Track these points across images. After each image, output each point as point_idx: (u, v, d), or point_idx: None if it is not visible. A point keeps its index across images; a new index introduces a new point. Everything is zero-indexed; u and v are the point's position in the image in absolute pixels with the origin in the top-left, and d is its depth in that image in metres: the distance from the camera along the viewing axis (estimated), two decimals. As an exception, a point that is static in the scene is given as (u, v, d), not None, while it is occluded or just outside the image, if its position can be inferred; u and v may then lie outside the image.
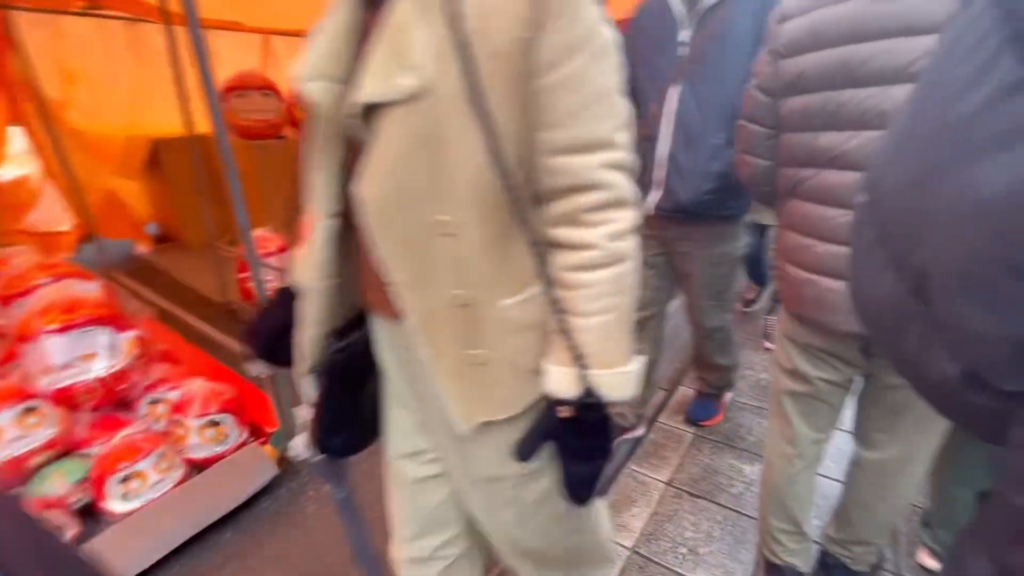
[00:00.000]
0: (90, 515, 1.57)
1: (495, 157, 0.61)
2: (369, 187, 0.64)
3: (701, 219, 1.59)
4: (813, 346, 1.12)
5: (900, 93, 0.86)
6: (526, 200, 0.66)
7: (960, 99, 0.34)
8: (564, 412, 0.68)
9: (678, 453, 1.94)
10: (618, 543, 1.56)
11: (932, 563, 1.41)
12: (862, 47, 0.89)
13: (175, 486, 1.61)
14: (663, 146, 1.55)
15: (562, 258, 0.66)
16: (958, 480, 1.29)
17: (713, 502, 1.71)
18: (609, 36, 0.62)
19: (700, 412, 2.12)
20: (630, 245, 0.66)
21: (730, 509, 1.68)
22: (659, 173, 1.57)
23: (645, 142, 1.57)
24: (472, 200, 0.64)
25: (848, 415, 1.23)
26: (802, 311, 1.08)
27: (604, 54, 0.62)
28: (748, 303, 3.04)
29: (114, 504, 1.52)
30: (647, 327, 1.83)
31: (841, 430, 1.25)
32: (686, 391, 2.34)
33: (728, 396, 2.18)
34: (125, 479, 1.53)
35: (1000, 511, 0.37)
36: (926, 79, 0.39)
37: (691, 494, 1.75)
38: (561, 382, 0.67)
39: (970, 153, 0.33)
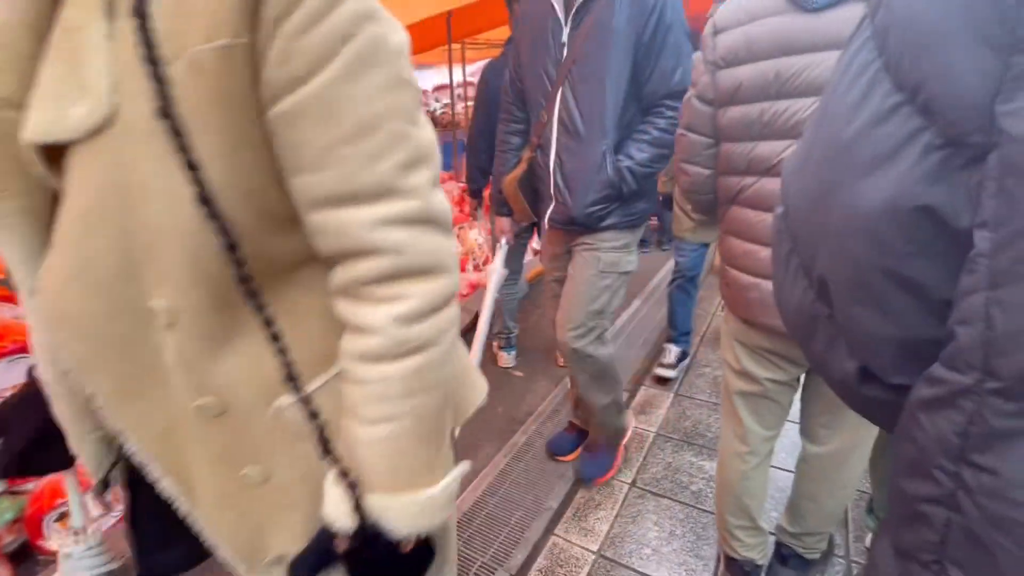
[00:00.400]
0: (26, 556, 1.47)
1: (209, 213, 0.43)
2: (48, 269, 0.46)
3: (593, 229, 1.53)
4: (760, 347, 1.16)
5: None
6: (264, 272, 0.49)
7: (848, 122, 0.37)
8: (340, 545, 0.51)
9: (641, 453, 1.98)
10: (584, 547, 1.57)
11: (879, 547, 1.49)
12: (793, 59, 0.93)
13: (117, 523, 1.52)
14: (552, 155, 1.50)
15: (346, 343, 0.50)
16: None
17: (675, 500, 1.75)
18: (383, 35, 0.45)
19: (589, 468, 1.80)
20: (433, 329, 0.48)
21: (691, 506, 1.72)
22: (550, 184, 1.52)
23: (538, 151, 1.54)
24: (191, 276, 0.45)
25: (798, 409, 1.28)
26: (748, 314, 1.12)
27: (371, 63, 0.44)
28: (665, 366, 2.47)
29: (51, 544, 1.42)
30: None
31: (793, 422, 1.30)
32: (648, 391, 2.39)
33: (625, 441, 1.90)
34: (62, 516, 1.43)
35: (893, 496, 0.41)
36: (823, 101, 0.43)
37: (654, 493, 1.78)
38: (336, 507, 0.51)
39: (854, 172, 0.37)
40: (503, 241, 1.88)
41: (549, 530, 1.64)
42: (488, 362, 2.68)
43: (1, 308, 1.83)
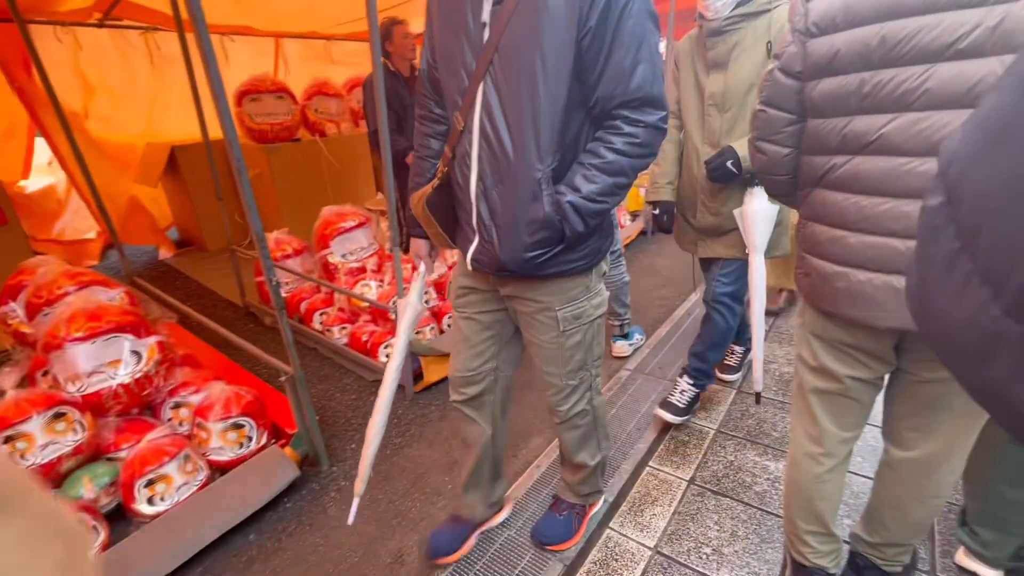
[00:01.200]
0: (120, 518, 1.61)
1: None
2: None
3: (534, 278, 1.16)
4: (842, 342, 1.07)
5: (947, 71, 0.81)
6: None
7: None
8: None
9: (700, 450, 1.91)
10: (640, 543, 1.53)
11: (972, 564, 1.36)
12: (904, 22, 0.84)
13: (199, 489, 1.63)
14: (473, 177, 1.10)
15: None
16: (1011, 480, 1.23)
17: (737, 500, 1.67)
18: None
19: (548, 530, 1.53)
20: None
21: (754, 507, 1.64)
22: (472, 214, 1.13)
23: (455, 166, 1.15)
24: None
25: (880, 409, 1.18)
26: (833, 306, 1.03)
27: None
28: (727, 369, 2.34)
29: (142, 507, 1.55)
30: (483, 404, 1.39)
31: (873, 425, 1.20)
32: (712, 387, 2.29)
33: (594, 510, 1.61)
34: (151, 483, 1.56)
35: None
36: None
37: (714, 492, 1.71)
38: None
39: None
40: (421, 268, 1.39)
41: (603, 523, 1.61)
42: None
43: (96, 291, 2.00)
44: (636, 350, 2.61)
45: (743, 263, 1.83)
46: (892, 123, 0.87)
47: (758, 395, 1.84)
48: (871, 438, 1.76)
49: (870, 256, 0.94)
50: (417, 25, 3.27)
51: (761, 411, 2.10)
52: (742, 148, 1.61)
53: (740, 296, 1.93)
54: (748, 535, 1.54)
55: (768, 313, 2.82)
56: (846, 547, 1.35)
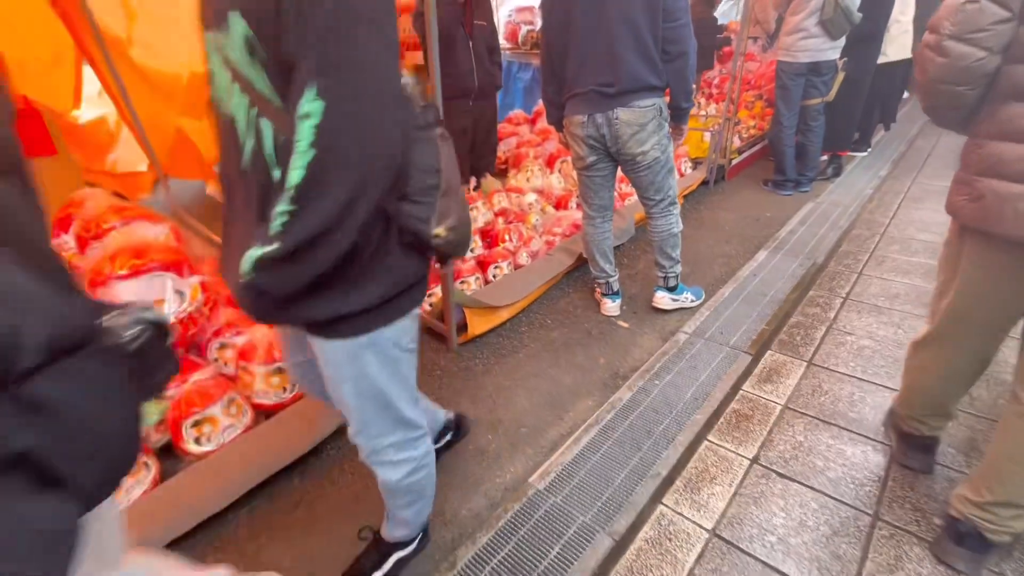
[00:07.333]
0: (171, 455, 1.63)
1: None
2: None
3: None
4: (1003, 268, 1.06)
5: None
6: None
7: None
8: None
9: (765, 426, 1.75)
10: (697, 523, 1.43)
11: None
12: None
13: (244, 431, 1.62)
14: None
15: None
16: None
17: (806, 486, 1.52)
18: None
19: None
20: None
21: (827, 495, 1.49)
22: None
23: None
24: None
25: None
26: (1012, 229, 0.98)
27: None
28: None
29: (190, 446, 1.56)
30: None
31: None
32: (774, 356, 2.10)
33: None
34: (197, 423, 1.56)
35: None
36: None
37: (780, 474, 1.57)
38: None
39: None
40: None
41: (656, 498, 1.51)
42: (590, 308, 2.51)
43: (142, 226, 1.96)
44: (691, 311, 2.42)
45: None
46: None
47: None
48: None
49: None
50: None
51: (837, 388, 1.90)
52: None
53: None
54: (819, 525, 1.40)
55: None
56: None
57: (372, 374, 0.97)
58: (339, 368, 0.96)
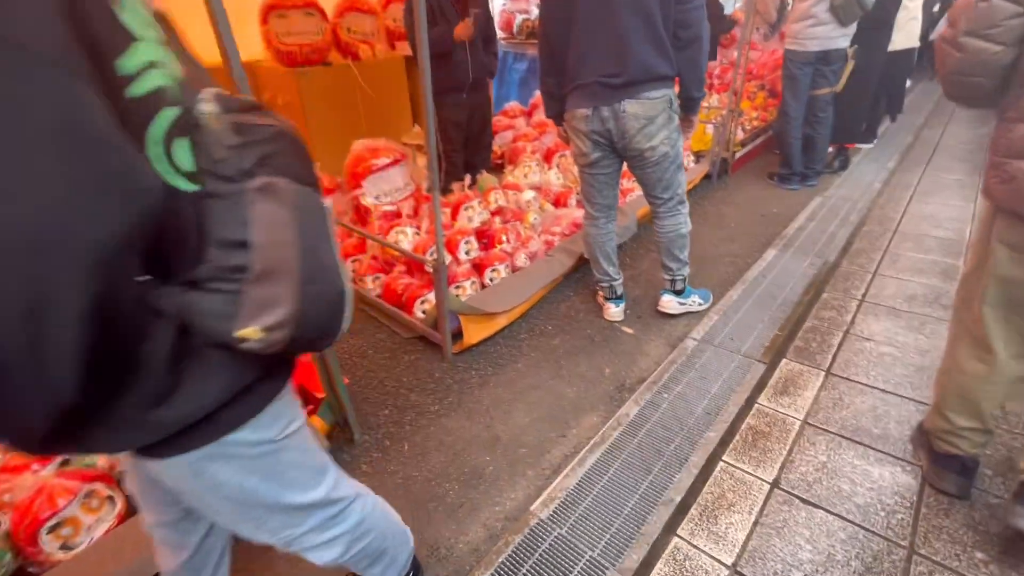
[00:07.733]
0: None
1: None
2: None
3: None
4: None
5: None
6: None
7: None
8: None
9: (784, 444, 1.63)
10: (715, 558, 1.30)
11: None
12: None
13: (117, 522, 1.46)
14: None
15: None
16: None
17: (832, 513, 1.40)
18: None
19: None
20: None
21: (856, 525, 1.37)
22: None
23: None
24: None
25: None
26: None
27: None
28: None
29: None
30: None
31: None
32: (790, 365, 1.97)
33: None
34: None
35: None
36: None
37: (804, 500, 1.44)
38: None
39: None
40: None
41: (671, 528, 1.38)
42: (592, 312, 2.38)
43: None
44: (698, 315, 2.29)
45: None
46: None
47: None
48: None
49: None
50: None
51: (858, 400, 1.78)
52: None
53: None
54: (849, 560, 1.28)
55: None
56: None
57: (233, 482, 0.73)
58: (184, 482, 0.72)
